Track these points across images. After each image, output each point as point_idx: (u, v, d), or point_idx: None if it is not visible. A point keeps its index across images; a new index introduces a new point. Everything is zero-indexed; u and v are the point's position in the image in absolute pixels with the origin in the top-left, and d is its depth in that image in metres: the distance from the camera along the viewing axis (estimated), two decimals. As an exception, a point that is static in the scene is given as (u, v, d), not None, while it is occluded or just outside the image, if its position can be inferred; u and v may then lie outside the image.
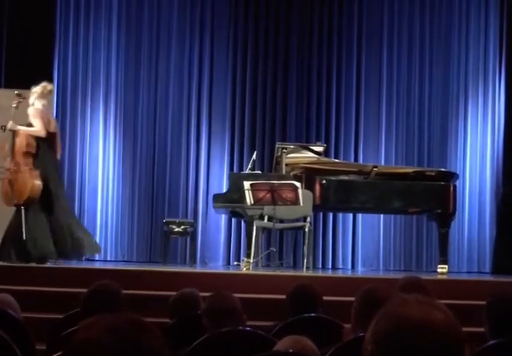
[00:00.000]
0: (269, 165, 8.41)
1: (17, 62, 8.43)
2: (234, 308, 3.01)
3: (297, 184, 6.87)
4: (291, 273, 7.11)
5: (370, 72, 9.22)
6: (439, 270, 7.52)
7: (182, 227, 8.06)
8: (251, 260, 6.97)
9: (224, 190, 8.10)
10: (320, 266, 8.83)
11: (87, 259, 8.58)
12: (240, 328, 2.96)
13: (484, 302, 2.81)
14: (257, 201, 6.79)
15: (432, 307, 1.22)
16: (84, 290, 3.00)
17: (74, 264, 7.04)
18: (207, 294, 3.30)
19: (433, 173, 7.86)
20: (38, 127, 6.76)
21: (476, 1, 9.18)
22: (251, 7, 9.20)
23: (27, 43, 8.45)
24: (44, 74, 8.47)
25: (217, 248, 8.91)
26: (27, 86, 7.62)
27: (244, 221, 7.70)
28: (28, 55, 8.42)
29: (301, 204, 6.82)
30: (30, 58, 8.41)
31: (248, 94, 9.13)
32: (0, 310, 3.39)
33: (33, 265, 6.57)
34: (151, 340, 1.17)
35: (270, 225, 7.06)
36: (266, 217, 7.18)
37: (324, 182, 7.42)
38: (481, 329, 2.74)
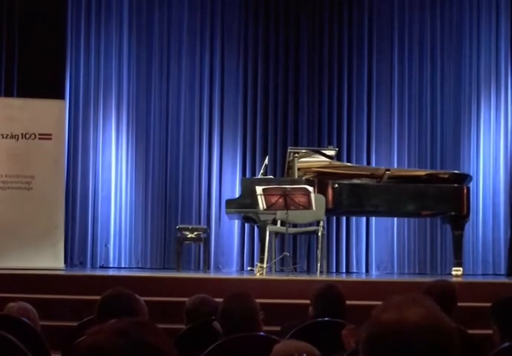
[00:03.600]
0: (281, 169, 8.40)
1: (29, 72, 8.47)
2: (252, 310, 2.98)
3: (310, 188, 6.86)
4: (305, 277, 7.09)
5: (381, 75, 9.21)
6: (454, 272, 7.48)
7: (196, 233, 8.06)
8: (265, 265, 6.96)
9: (236, 195, 8.11)
10: (334, 270, 8.81)
11: (102, 267, 8.63)
12: (255, 333, 2.95)
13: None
14: (270, 206, 6.78)
15: (411, 306, 1.22)
16: (99, 297, 3.00)
17: (88, 271, 7.06)
18: (221, 300, 3.29)
19: (446, 176, 7.83)
20: None
21: (487, 4, 9.14)
22: (261, 11, 9.22)
23: (39, 52, 8.49)
24: (56, 83, 8.54)
25: (231, 253, 8.92)
26: (40, 96, 7.66)
27: (257, 226, 7.69)
28: (40, 64, 8.45)
29: (314, 208, 6.81)
30: (42, 67, 8.45)
31: (259, 99, 9.14)
32: (16, 319, 3.40)
33: (48, 272, 6.59)
34: (160, 342, 1.17)
35: (283, 229, 7.05)
36: (278, 222, 7.17)
37: (337, 186, 7.40)
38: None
